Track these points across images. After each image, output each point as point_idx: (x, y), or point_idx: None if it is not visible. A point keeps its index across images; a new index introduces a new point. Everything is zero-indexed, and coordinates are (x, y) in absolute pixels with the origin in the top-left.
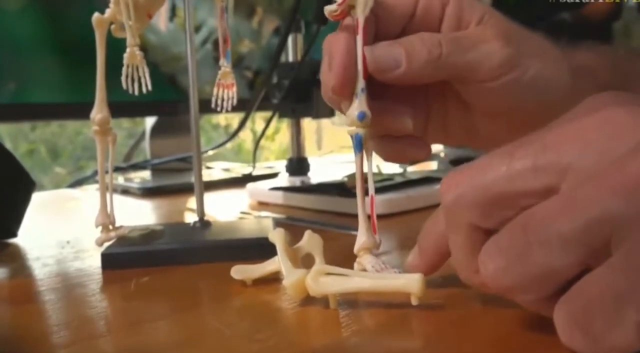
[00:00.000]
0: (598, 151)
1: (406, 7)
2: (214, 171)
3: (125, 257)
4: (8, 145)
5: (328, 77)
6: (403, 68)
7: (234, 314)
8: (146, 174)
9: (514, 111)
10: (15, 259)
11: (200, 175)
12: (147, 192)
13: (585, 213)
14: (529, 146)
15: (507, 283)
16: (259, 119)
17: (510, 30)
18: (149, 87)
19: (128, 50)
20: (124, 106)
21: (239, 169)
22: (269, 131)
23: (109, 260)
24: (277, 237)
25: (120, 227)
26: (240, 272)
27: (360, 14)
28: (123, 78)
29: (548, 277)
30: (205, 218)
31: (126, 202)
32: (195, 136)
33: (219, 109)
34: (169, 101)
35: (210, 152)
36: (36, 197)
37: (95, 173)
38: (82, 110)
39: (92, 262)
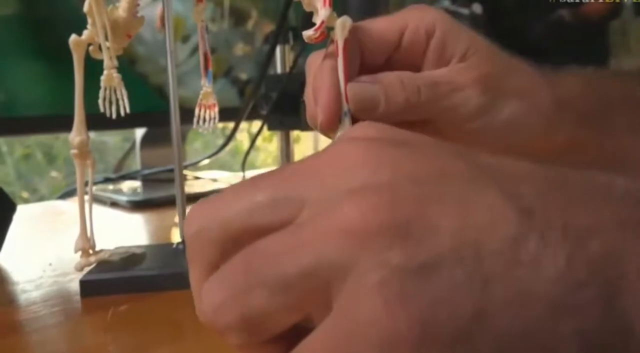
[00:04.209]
0: (330, 186)
1: (392, 38)
2: (203, 181)
3: (104, 283)
4: (4, 150)
5: (314, 110)
6: (381, 110)
7: (217, 349)
8: (137, 184)
9: (489, 144)
10: None
11: (183, 196)
12: (136, 205)
13: (301, 258)
14: (270, 177)
15: (223, 322)
16: (255, 121)
17: (492, 70)
18: (127, 110)
19: (105, 72)
20: (112, 118)
21: (228, 179)
22: (266, 133)
23: (87, 287)
24: None
25: (101, 250)
26: None
27: (340, 37)
28: (100, 101)
29: (265, 319)
30: None
31: (114, 216)
32: (177, 155)
33: (200, 130)
34: (158, 112)
35: (206, 161)
36: (23, 210)
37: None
38: (71, 123)
39: (72, 286)
